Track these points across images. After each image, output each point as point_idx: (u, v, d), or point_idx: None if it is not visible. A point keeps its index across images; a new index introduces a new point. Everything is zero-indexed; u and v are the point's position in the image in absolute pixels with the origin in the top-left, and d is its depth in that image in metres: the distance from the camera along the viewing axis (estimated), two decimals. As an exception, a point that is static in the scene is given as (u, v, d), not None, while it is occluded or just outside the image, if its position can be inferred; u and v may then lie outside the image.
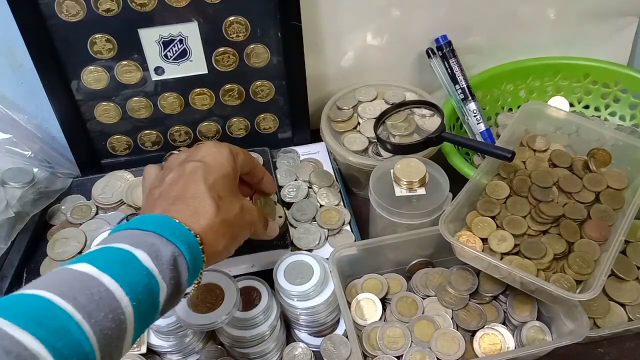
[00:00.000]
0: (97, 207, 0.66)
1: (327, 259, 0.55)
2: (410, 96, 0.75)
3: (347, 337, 0.55)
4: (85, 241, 0.62)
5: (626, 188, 0.57)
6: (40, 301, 0.32)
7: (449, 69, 0.74)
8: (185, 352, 0.55)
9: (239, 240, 0.46)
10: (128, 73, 0.66)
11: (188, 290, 0.41)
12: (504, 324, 0.55)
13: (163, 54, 0.66)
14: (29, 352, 0.30)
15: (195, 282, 0.41)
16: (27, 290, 0.34)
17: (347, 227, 0.64)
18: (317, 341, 0.56)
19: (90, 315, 0.33)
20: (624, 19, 0.81)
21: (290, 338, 0.58)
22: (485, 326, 0.54)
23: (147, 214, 0.42)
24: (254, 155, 0.72)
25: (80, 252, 0.61)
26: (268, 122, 0.74)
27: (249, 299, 0.54)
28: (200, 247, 0.40)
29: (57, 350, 0.31)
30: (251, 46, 0.67)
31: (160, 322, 0.52)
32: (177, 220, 0.40)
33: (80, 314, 0.32)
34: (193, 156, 0.47)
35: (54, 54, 0.63)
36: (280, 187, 0.69)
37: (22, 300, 0.33)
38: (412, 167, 0.58)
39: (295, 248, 0.61)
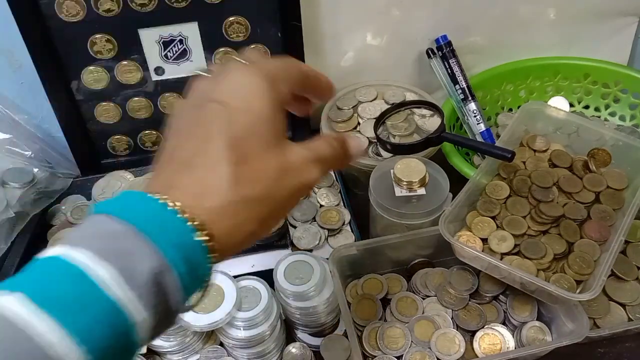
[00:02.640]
0: (97, 207, 0.66)
1: (327, 259, 0.55)
2: (410, 96, 0.75)
3: (347, 337, 0.55)
4: (86, 241, 0.62)
5: (626, 188, 0.57)
6: None
7: (449, 69, 0.74)
8: (185, 352, 0.55)
9: (277, 220, 0.32)
10: (128, 73, 0.66)
11: (189, 303, 0.28)
12: (504, 324, 0.55)
13: (163, 54, 0.66)
14: None
15: (200, 291, 0.29)
16: None
17: (347, 227, 0.64)
18: (317, 341, 0.56)
19: None
20: (624, 19, 0.81)
21: (290, 338, 0.58)
22: (485, 326, 0.54)
23: (135, 190, 0.28)
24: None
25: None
26: (268, 122, 0.74)
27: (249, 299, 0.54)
28: (207, 244, 0.27)
29: None
30: (251, 46, 0.67)
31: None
32: (173, 209, 0.27)
33: None
34: (214, 92, 0.31)
35: (54, 54, 0.63)
36: (280, 187, 0.69)
37: None
38: (412, 167, 0.58)
39: (295, 248, 0.62)
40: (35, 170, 0.67)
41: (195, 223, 0.27)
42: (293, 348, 0.56)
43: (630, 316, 0.55)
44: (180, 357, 0.55)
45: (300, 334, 0.57)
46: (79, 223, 0.64)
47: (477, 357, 0.53)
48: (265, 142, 0.30)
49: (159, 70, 0.67)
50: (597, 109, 0.80)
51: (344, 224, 0.64)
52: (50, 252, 0.25)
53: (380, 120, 0.68)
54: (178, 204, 0.27)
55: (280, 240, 0.63)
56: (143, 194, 0.28)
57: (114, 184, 0.68)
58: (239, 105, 0.30)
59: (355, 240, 0.63)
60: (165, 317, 0.27)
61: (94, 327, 0.24)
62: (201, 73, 0.34)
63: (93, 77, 0.66)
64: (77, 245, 0.25)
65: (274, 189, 0.30)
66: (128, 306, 0.25)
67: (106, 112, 0.69)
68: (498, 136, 0.74)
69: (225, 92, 0.31)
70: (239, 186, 0.29)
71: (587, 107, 0.80)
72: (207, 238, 0.27)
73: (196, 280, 0.28)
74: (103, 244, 0.25)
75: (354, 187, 0.73)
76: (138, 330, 0.25)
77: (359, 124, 0.73)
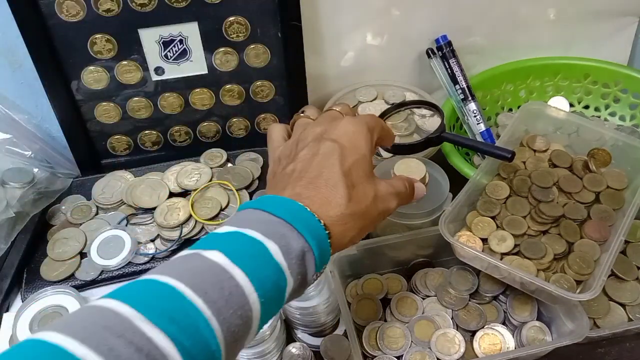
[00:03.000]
0: (97, 207, 0.66)
1: (327, 259, 0.55)
2: (410, 96, 0.75)
3: (347, 337, 0.55)
4: (86, 241, 0.62)
5: (626, 188, 0.57)
6: (171, 293, 0.31)
7: (449, 69, 0.74)
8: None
9: (366, 232, 0.42)
10: (128, 73, 0.66)
11: (314, 279, 0.39)
12: (504, 324, 0.55)
13: (163, 54, 0.66)
14: (159, 352, 0.28)
15: (315, 274, 0.38)
16: (159, 276, 0.31)
17: (347, 227, 0.64)
18: (317, 341, 0.56)
19: (219, 312, 0.31)
20: (624, 19, 0.81)
21: (290, 338, 0.58)
22: (485, 326, 0.54)
23: (277, 195, 0.39)
24: (253, 155, 0.72)
25: (80, 252, 0.61)
26: (268, 122, 0.74)
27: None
28: (328, 240, 0.38)
29: (186, 350, 0.29)
30: (251, 46, 0.67)
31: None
32: (309, 210, 0.37)
33: (210, 310, 0.31)
34: (329, 133, 0.42)
35: (54, 54, 0.63)
36: (280, 187, 0.69)
37: (153, 289, 0.31)
38: (412, 167, 0.58)
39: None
40: (35, 170, 0.67)
41: (323, 223, 0.37)
42: (293, 348, 0.56)
43: (630, 316, 0.55)
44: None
45: (300, 334, 0.57)
46: (78, 223, 0.64)
47: (477, 357, 0.53)
48: (365, 174, 0.42)
49: (159, 70, 0.67)
50: (597, 109, 0.80)
51: (344, 224, 0.64)
52: (223, 229, 0.36)
53: (380, 120, 0.68)
54: (311, 208, 0.38)
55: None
56: (283, 198, 0.38)
57: (114, 184, 0.68)
58: (349, 145, 0.41)
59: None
60: (301, 285, 0.37)
61: (266, 280, 0.34)
62: (302, 115, 0.48)
63: (93, 77, 0.66)
64: (245, 227, 0.35)
65: (370, 209, 0.41)
66: (285, 271, 0.35)
67: (106, 112, 0.69)
68: (498, 136, 0.74)
69: (339, 134, 0.42)
70: (351, 203, 0.39)
71: (587, 107, 0.80)
72: (329, 235, 0.38)
73: (322, 263, 0.38)
74: (264, 227, 0.35)
75: (354, 187, 0.73)
76: (287, 289, 0.35)
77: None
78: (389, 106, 0.71)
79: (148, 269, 0.60)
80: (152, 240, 0.63)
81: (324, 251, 0.37)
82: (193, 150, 0.72)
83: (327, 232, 0.37)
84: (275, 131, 0.48)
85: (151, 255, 0.61)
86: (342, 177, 0.39)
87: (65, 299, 0.55)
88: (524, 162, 0.60)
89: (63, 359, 0.26)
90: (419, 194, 0.48)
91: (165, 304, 0.30)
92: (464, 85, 0.73)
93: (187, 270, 0.32)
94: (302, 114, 0.48)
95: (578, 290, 0.50)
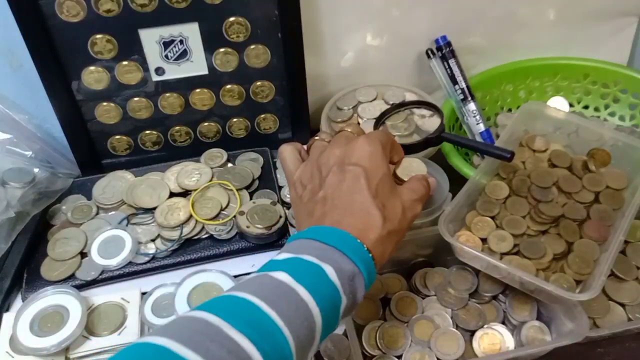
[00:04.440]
0: (97, 207, 0.67)
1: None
2: (409, 96, 0.76)
3: (347, 337, 0.55)
4: (86, 241, 0.62)
5: (626, 188, 0.57)
6: (249, 305, 0.35)
7: (448, 70, 0.74)
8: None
9: (400, 242, 0.46)
10: (128, 73, 0.66)
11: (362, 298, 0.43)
12: (503, 323, 0.55)
13: (163, 54, 0.66)
14: (246, 354, 0.32)
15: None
16: (236, 292, 0.36)
17: (347, 227, 0.64)
18: (317, 341, 0.56)
19: (290, 322, 0.35)
20: (623, 19, 0.81)
21: (290, 338, 0.58)
22: (485, 326, 0.54)
23: (323, 225, 0.42)
24: (254, 155, 0.72)
25: (81, 252, 0.61)
26: (268, 123, 0.75)
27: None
28: (373, 262, 0.41)
29: (267, 353, 0.33)
30: (251, 47, 0.67)
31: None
32: (353, 236, 0.41)
33: (282, 321, 0.35)
34: (350, 157, 0.45)
35: (54, 54, 0.63)
36: (280, 188, 0.69)
37: (235, 303, 0.36)
38: (413, 167, 0.58)
39: (296, 248, 0.62)
40: (36, 170, 0.67)
41: (366, 246, 0.41)
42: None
43: (630, 316, 0.55)
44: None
45: (300, 334, 0.57)
46: (79, 223, 0.64)
47: (477, 356, 0.53)
48: (390, 190, 0.45)
49: (159, 71, 0.67)
50: (596, 109, 0.80)
51: (344, 224, 0.64)
52: (281, 256, 0.40)
53: (380, 121, 0.68)
54: (354, 234, 0.41)
55: (280, 239, 0.63)
56: (329, 227, 0.42)
57: (115, 184, 0.68)
58: (371, 167, 0.44)
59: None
60: (353, 303, 0.41)
61: (325, 297, 0.38)
62: (317, 139, 0.50)
63: (93, 77, 0.66)
64: (302, 253, 0.40)
65: (402, 222, 0.45)
66: (340, 290, 0.39)
67: (107, 112, 0.69)
68: (497, 136, 0.74)
69: (359, 156, 0.45)
70: (386, 223, 0.43)
71: (586, 107, 0.80)
72: (373, 257, 0.41)
73: (370, 282, 0.42)
74: (318, 253, 0.40)
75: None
76: (342, 307, 0.39)
77: (358, 124, 0.73)
78: (388, 106, 0.71)
79: (148, 269, 0.61)
80: (153, 240, 0.63)
81: (371, 272, 0.41)
82: (193, 151, 0.72)
83: (370, 254, 0.41)
84: (288, 152, 0.51)
85: (152, 255, 0.61)
86: (372, 201, 0.43)
87: (65, 299, 0.55)
88: (524, 162, 0.61)
89: (169, 357, 0.31)
90: (433, 188, 0.51)
91: (245, 314, 0.35)
92: (464, 86, 0.73)
93: (259, 287, 0.37)
94: (317, 137, 0.50)
95: (578, 290, 0.50)
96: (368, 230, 0.42)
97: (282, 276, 0.38)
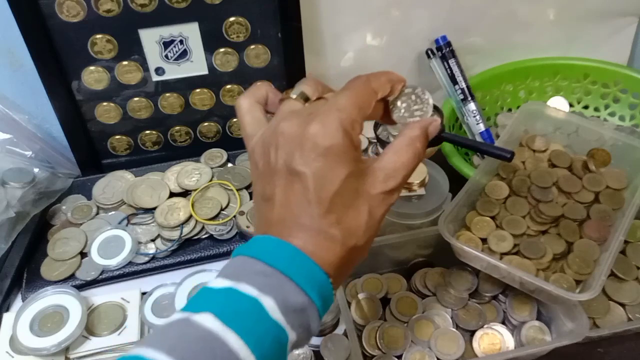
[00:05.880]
0: (97, 207, 0.67)
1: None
2: (410, 96, 0.75)
3: (347, 336, 0.55)
4: (86, 241, 0.62)
5: (625, 188, 0.57)
6: None
7: (448, 70, 0.74)
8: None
9: (367, 250, 0.37)
10: (128, 73, 0.66)
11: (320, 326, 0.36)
12: (503, 323, 0.55)
13: (163, 54, 0.66)
14: None
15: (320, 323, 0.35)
16: (148, 350, 0.29)
17: (347, 227, 0.64)
18: (317, 341, 0.56)
19: None
20: (623, 19, 0.81)
21: (290, 338, 0.58)
22: (485, 326, 0.54)
23: (271, 237, 0.34)
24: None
25: (80, 252, 0.61)
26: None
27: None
28: (331, 285, 0.34)
29: None
30: (251, 47, 0.67)
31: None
32: (306, 256, 0.33)
33: None
34: (296, 158, 0.34)
35: (54, 54, 0.63)
36: (280, 187, 0.69)
37: None
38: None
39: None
40: (36, 170, 0.67)
41: (321, 266, 0.33)
42: (293, 348, 0.56)
43: (630, 316, 0.55)
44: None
45: (300, 334, 0.57)
46: (79, 223, 0.64)
47: (477, 356, 0.53)
48: (352, 196, 0.34)
49: (159, 71, 0.67)
50: (596, 109, 0.80)
51: (343, 223, 0.64)
52: (217, 283, 0.32)
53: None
54: (308, 253, 0.33)
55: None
56: (278, 241, 0.33)
57: (115, 183, 0.68)
58: (323, 172, 0.33)
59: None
60: (305, 337, 0.33)
61: (264, 339, 0.30)
62: (291, 97, 0.38)
63: (93, 77, 0.66)
64: (240, 281, 0.32)
65: (369, 231, 0.35)
66: (285, 326, 0.31)
67: (106, 112, 0.69)
68: (497, 136, 0.74)
69: (308, 160, 0.34)
70: (346, 239, 0.34)
71: (586, 107, 0.80)
72: (331, 279, 0.33)
73: (325, 310, 0.34)
74: (261, 281, 0.32)
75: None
76: (289, 344, 0.32)
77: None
78: (388, 106, 0.71)
79: (148, 269, 0.61)
80: (153, 240, 0.63)
81: (327, 298, 0.34)
82: (193, 150, 0.72)
83: (327, 275, 0.33)
84: (246, 108, 0.39)
85: (151, 255, 0.62)
86: (323, 218, 0.33)
87: (65, 299, 0.55)
88: (524, 162, 0.60)
89: None
90: (432, 132, 0.41)
91: None
92: (464, 86, 0.73)
93: (178, 341, 0.30)
94: (292, 94, 0.38)
95: (577, 290, 0.50)
96: (323, 250, 0.33)
97: (209, 321, 0.30)
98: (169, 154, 0.73)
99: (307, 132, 0.34)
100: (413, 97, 0.42)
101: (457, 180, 0.60)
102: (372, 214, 0.35)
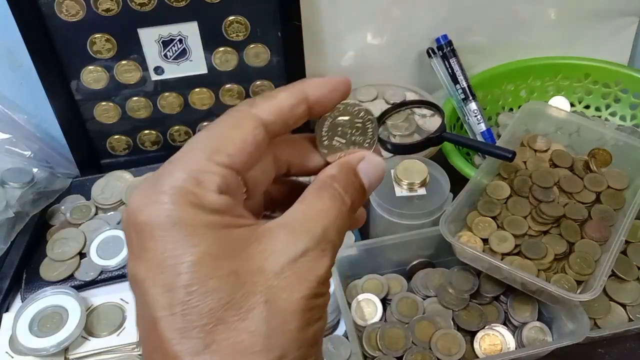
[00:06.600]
0: (96, 207, 0.66)
1: (328, 259, 0.55)
2: (410, 96, 0.75)
3: (347, 337, 0.55)
4: (85, 241, 0.62)
5: (627, 188, 0.57)
6: None
7: (449, 69, 0.74)
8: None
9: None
10: (127, 73, 0.66)
11: None
12: (504, 324, 0.55)
13: (163, 53, 0.66)
14: None
15: None
16: None
17: (348, 227, 0.64)
18: (317, 342, 0.56)
19: None
20: (624, 19, 0.81)
21: (290, 338, 0.57)
22: (486, 327, 0.54)
23: None
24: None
25: (79, 252, 0.61)
26: (268, 122, 0.74)
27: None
28: None
29: None
30: (251, 46, 0.67)
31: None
32: None
33: None
34: (136, 268, 0.22)
35: (53, 53, 0.63)
36: (280, 187, 0.69)
37: None
38: (413, 167, 0.58)
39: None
40: (35, 170, 0.66)
41: None
42: (293, 348, 0.55)
43: (631, 316, 0.55)
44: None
45: (300, 335, 0.57)
46: (78, 223, 0.63)
47: (478, 357, 0.53)
48: (220, 293, 0.20)
49: (158, 70, 0.67)
50: (597, 109, 0.80)
51: (344, 224, 0.64)
52: None
53: (380, 120, 0.68)
54: None
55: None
56: None
57: (114, 183, 0.68)
58: (144, 268, 0.21)
59: (355, 241, 0.62)
60: None
61: None
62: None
63: (92, 77, 0.66)
64: None
65: (287, 346, 0.21)
66: None
67: (105, 112, 0.69)
68: (499, 136, 0.74)
69: (146, 268, 0.21)
70: None
71: (587, 107, 0.80)
72: None
73: None
74: None
75: (354, 187, 0.73)
76: None
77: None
78: (389, 106, 0.70)
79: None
80: (152, 241, 0.63)
81: None
82: (193, 150, 0.72)
83: None
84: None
85: (151, 256, 0.61)
86: (176, 344, 0.20)
87: (64, 299, 0.55)
88: (525, 162, 0.60)
89: None
90: (369, 170, 0.27)
91: None
92: (465, 85, 0.73)
93: None
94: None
95: (579, 291, 0.50)
96: None
97: None
98: (168, 154, 0.71)
99: (127, 210, 0.22)
100: (356, 120, 0.29)
101: (458, 180, 0.60)
102: (281, 310, 0.21)
